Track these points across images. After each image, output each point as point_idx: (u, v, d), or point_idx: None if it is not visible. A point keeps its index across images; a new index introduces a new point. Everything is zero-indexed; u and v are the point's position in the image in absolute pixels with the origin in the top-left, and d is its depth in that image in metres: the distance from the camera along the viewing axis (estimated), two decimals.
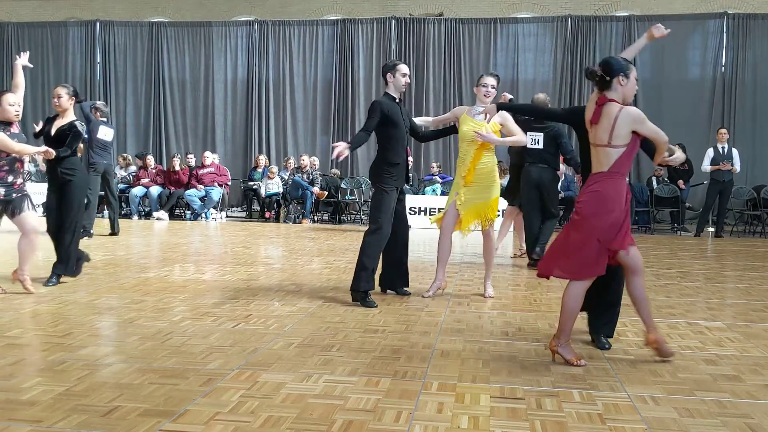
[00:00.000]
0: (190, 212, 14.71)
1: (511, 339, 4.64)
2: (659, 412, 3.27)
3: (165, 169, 15.21)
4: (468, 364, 4.00)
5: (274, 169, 14.97)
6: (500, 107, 5.12)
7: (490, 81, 5.83)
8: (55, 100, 6.33)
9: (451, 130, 6.22)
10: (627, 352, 4.32)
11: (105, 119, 10.54)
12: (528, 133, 7.57)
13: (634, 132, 3.88)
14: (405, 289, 6.10)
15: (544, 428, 3.04)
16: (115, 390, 3.41)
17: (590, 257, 3.90)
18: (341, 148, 5.30)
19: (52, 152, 5.87)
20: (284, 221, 14.31)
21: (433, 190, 14.43)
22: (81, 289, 6.15)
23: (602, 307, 4.40)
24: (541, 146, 7.77)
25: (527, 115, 7.29)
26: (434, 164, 15.49)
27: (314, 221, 14.60)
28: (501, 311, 5.54)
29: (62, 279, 6.34)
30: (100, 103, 10.88)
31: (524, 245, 8.64)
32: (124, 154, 15.91)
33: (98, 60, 17.52)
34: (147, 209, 14.88)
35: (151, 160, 15.04)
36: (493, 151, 5.94)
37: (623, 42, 15.54)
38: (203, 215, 14.49)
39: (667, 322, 5.24)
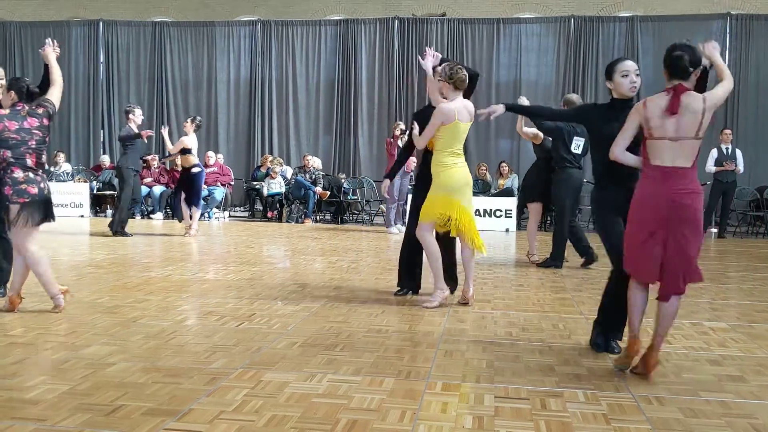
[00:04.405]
0: None
1: (515, 339, 4.63)
2: (664, 412, 3.27)
3: (168, 168, 15.22)
4: (472, 364, 3.99)
5: (277, 168, 14.97)
6: (508, 108, 5.04)
7: None
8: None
9: None
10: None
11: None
12: (574, 138, 7.72)
13: None
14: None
15: (549, 428, 3.04)
16: (119, 389, 3.41)
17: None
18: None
19: None
20: (287, 221, 14.32)
21: None
22: (84, 288, 6.15)
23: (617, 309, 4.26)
24: (580, 151, 7.78)
25: (534, 117, 7.35)
26: None
27: (316, 221, 14.60)
28: (504, 312, 5.54)
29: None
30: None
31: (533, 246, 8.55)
32: None
33: (101, 60, 17.49)
34: (150, 208, 14.89)
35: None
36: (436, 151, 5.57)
37: (626, 42, 15.52)
38: (206, 215, 14.49)
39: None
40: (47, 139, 5.18)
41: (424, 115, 5.77)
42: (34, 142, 5.04)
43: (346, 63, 16.64)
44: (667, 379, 3.78)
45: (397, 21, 16.48)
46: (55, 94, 5.30)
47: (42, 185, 5.05)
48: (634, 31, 15.55)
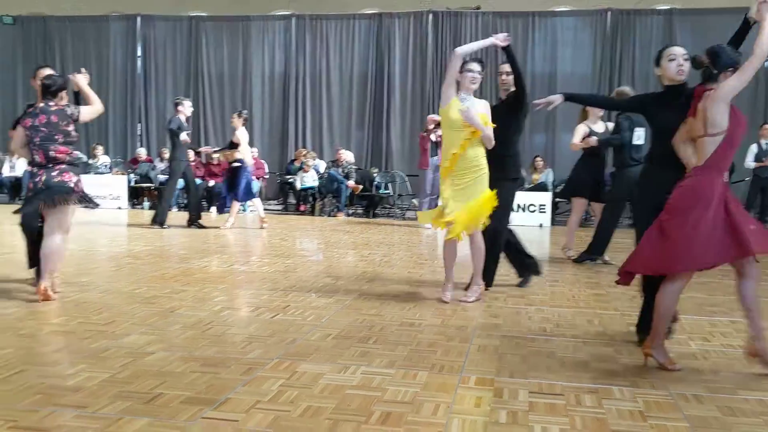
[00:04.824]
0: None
1: (549, 335, 4.61)
2: (702, 410, 3.22)
3: (204, 162, 15.35)
4: (505, 359, 3.98)
5: (310, 162, 15.03)
6: (567, 97, 4.98)
7: (476, 67, 5.70)
8: None
9: None
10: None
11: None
12: (635, 129, 7.45)
13: (732, 119, 3.66)
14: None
15: (585, 424, 3.02)
16: (157, 377, 3.47)
17: (684, 251, 3.69)
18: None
19: None
20: (319, 214, 14.39)
21: None
22: (123, 278, 6.26)
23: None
24: (642, 142, 7.44)
25: (592, 105, 7.35)
26: None
27: (349, 215, 14.64)
28: (539, 307, 5.51)
29: None
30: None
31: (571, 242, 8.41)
32: (164, 149, 16.09)
33: (139, 54, 17.76)
34: (186, 201, 15.01)
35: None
36: (480, 143, 5.48)
37: (664, 36, 15.26)
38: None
39: (710, 320, 5.16)
40: (57, 137, 5.17)
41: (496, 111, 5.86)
42: (38, 139, 5.15)
43: (380, 57, 16.63)
44: (705, 377, 3.74)
45: (431, 14, 16.42)
46: (89, 109, 5.44)
47: (38, 179, 5.15)
48: (672, 25, 15.28)
